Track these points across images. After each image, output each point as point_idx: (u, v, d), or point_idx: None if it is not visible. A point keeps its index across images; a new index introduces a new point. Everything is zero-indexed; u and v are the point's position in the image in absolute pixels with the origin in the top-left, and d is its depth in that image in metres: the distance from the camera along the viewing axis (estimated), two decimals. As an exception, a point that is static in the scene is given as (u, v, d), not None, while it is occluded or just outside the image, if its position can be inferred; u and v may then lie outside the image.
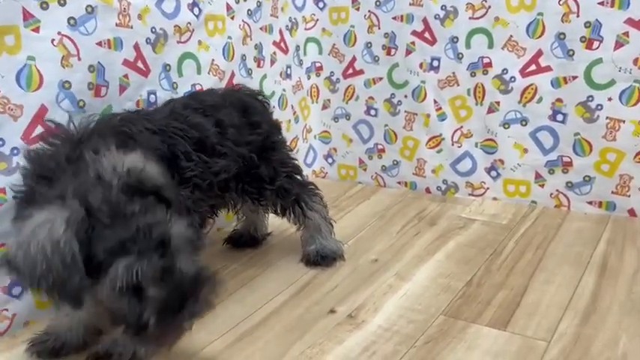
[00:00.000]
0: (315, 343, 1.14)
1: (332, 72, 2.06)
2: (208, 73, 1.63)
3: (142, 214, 0.88)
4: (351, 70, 2.02)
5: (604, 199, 1.67)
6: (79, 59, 1.28)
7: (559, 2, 1.59)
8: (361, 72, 1.99)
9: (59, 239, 0.82)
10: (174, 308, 0.88)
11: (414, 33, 1.84)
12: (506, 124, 1.77)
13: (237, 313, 1.27)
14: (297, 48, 2.02)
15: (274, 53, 1.91)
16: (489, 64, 1.75)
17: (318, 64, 2.08)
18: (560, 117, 1.68)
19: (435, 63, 1.84)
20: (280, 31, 1.93)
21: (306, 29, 2.04)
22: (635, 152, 1.59)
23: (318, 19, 2.03)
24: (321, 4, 2.01)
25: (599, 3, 1.54)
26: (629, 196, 1.63)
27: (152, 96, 1.47)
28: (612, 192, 1.66)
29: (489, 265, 1.44)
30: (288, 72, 1.99)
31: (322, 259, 1.47)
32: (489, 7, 1.70)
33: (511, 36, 1.69)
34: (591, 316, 1.18)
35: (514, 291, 1.30)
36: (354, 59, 1.99)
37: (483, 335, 1.15)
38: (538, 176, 1.76)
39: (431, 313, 1.24)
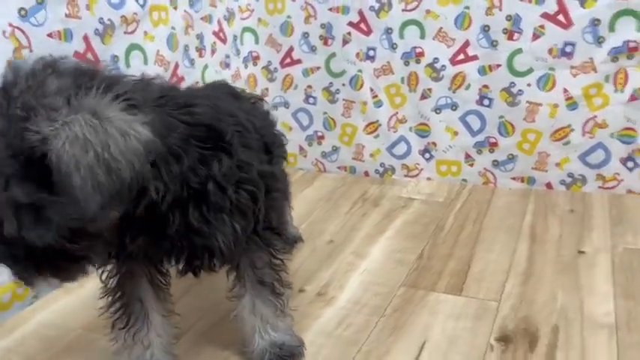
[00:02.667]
0: (294, 322, 1.20)
1: (269, 61, 2.10)
2: (154, 64, 1.62)
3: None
4: (288, 60, 2.07)
5: (525, 174, 1.87)
6: (31, 51, 1.24)
7: (484, -3, 1.75)
8: (299, 61, 2.06)
9: None
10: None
11: (350, 24, 1.93)
12: (437, 110, 1.92)
13: (210, 297, 1.30)
14: (235, 38, 2.04)
15: (214, 43, 1.92)
16: (422, 54, 1.88)
17: (255, 54, 2.12)
18: (486, 102, 1.85)
19: (371, 53, 1.94)
20: (219, 21, 1.94)
21: (242, 19, 2.06)
22: (551, 132, 1.79)
23: (253, 10, 2.06)
24: (256, -5, 2.04)
25: (518, -2, 1.71)
26: (546, 171, 1.84)
27: (102, 88, 1.45)
28: (532, 168, 1.85)
29: (435, 239, 1.57)
30: (227, 62, 2.01)
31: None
32: (421, 0, 1.82)
33: (441, 27, 1.83)
34: (530, 277, 1.34)
35: (461, 260, 1.44)
36: (291, 49, 2.05)
37: (442, 301, 1.27)
38: (467, 156, 1.93)
39: (392, 285, 1.34)
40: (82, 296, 1.36)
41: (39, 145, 0.68)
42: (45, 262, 0.75)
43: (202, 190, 0.86)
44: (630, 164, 1.73)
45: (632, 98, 1.67)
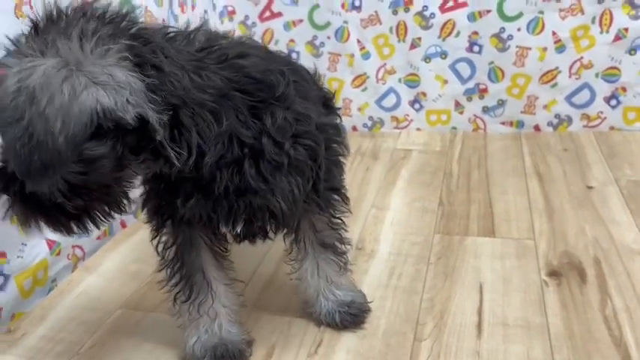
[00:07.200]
0: (345, 278, 1.18)
1: (246, 16, 2.00)
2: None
3: None
4: (268, 13, 1.98)
5: (514, 118, 1.92)
6: (32, 7, 1.09)
7: (473, -59, 1.74)
8: (279, 14, 1.97)
9: None
10: None
11: (335, -27, 1.87)
12: (427, 59, 1.91)
13: (245, 265, 1.25)
14: (210, -9, 1.92)
15: (193, -3, 1.80)
16: (410, 2, 1.85)
17: (230, 9, 2.00)
18: (476, 48, 1.86)
19: (357, 2, 1.89)
20: (196, -27, 1.81)
21: (215, -29, 1.94)
22: (540, 75, 1.84)
23: (227, -40, 1.94)
24: (229, -56, 1.92)
25: (508, -58, 1.72)
26: (534, 114, 1.89)
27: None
28: (521, 112, 1.91)
29: (448, 185, 1.59)
30: (206, 17, 1.89)
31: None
32: (409, -54, 1.79)
33: (430, -26, 1.81)
34: (553, 214, 1.39)
35: (482, 204, 1.47)
36: (270, 2, 1.96)
37: (480, 244, 1.29)
38: (457, 104, 1.95)
39: (426, 234, 1.35)
40: (104, 274, 1.27)
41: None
42: (41, 208, 0.71)
43: (258, 147, 0.80)
44: (613, 102, 1.82)
45: (617, 38, 1.75)
